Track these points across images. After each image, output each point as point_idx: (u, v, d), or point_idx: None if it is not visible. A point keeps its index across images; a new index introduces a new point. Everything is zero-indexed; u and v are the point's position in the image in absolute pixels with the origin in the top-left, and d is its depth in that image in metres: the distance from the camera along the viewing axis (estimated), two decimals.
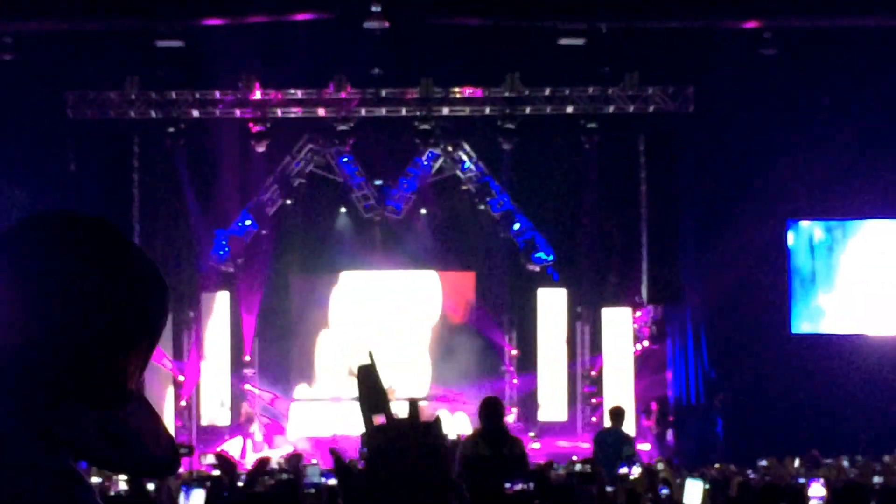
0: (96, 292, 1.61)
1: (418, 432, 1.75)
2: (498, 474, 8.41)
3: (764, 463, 16.27)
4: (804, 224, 23.06)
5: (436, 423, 1.78)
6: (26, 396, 1.60)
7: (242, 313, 22.97)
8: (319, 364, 23.60)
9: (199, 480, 11.99)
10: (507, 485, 8.41)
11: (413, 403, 1.79)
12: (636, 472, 12.01)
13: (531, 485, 8.37)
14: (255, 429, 22.09)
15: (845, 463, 16.36)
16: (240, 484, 11.81)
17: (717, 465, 17.34)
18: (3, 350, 1.60)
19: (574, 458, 16.38)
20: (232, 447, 21.21)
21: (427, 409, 22.95)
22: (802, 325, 22.80)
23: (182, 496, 9.59)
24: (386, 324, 23.46)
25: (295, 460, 16.14)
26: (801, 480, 12.41)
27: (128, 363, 1.64)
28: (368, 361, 1.80)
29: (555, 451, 20.33)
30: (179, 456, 1.74)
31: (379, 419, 1.76)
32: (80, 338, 1.60)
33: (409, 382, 23.10)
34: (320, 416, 22.80)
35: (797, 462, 16.23)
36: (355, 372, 1.82)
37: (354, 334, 23.53)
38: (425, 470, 1.73)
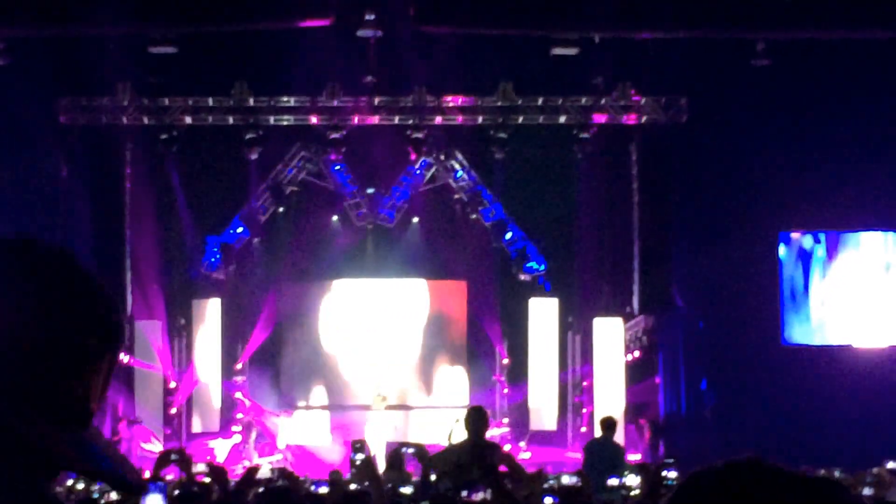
0: (58, 312, 1.66)
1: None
2: (465, 483, 8.35)
3: None
4: (795, 235, 23.05)
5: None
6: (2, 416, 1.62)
7: (234, 321, 22.90)
8: (310, 373, 23.53)
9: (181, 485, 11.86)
10: (465, 493, 8.32)
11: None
12: (633, 481, 11.59)
13: (488, 492, 8.22)
14: (251, 436, 21.98)
15: (837, 474, 16.31)
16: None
17: None
18: None
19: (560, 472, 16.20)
20: (219, 448, 21.21)
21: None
22: (794, 336, 22.78)
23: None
24: (377, 332, 23.40)
25: (284, 472, 16.05)
26: None
27: (90, 383, 1.68)
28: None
29: (545, 460, 20.28)
30: (143, 478, 1.78)
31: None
32: (46, 357, 1.64)
33: (400, 391, 23.09)
34: (310, 425, 22.75)
35: None
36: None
37: (345, 343, 23.49)
38: None
